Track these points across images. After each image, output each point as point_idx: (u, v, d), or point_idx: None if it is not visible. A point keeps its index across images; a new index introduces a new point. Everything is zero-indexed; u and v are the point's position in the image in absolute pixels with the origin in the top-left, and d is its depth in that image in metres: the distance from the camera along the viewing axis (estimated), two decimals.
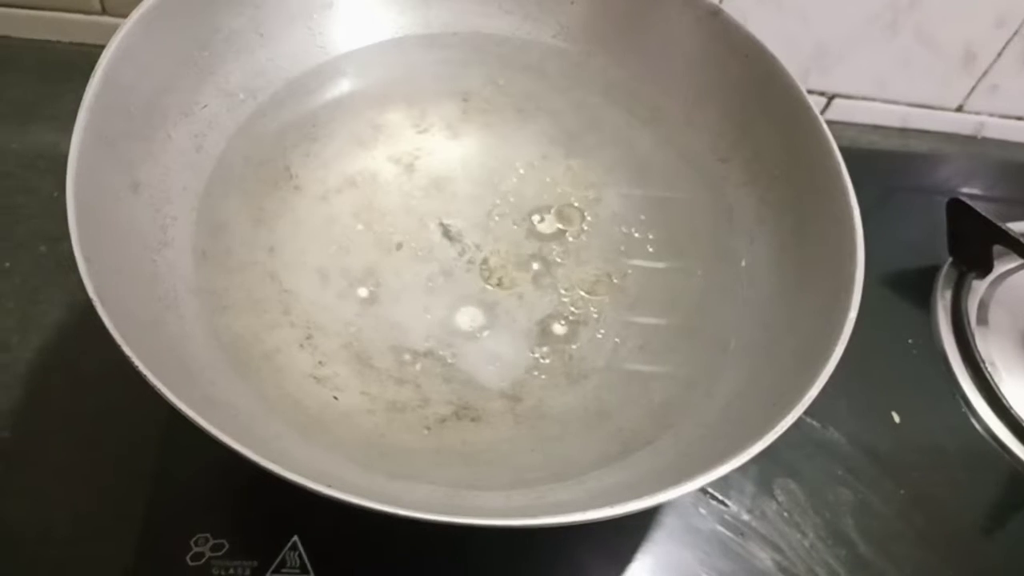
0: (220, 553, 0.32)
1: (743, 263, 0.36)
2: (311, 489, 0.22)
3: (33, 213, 0.42)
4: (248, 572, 0.32)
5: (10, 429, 0.35)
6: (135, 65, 0.31)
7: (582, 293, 0.37)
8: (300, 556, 0.33)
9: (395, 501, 0.22)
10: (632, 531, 0.36)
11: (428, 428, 0.31)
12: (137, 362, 0.23)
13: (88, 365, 0.37)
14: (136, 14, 0.31)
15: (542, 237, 0.38)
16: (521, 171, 0.40)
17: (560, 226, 0.39)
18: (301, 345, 0.32)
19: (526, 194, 0.39)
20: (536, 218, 0.39)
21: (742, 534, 0.37)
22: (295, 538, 0.33)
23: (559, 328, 0.35)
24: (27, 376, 0.36)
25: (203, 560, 0.32)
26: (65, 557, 0.32)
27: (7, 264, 0.40)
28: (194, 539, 0.32)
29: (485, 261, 0.37)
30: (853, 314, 0.29)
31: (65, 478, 0.34)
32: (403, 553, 0.34)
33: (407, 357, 0.33)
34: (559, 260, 0.38)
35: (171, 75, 0.33)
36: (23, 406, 0.36)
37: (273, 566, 0.32)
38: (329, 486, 0.22)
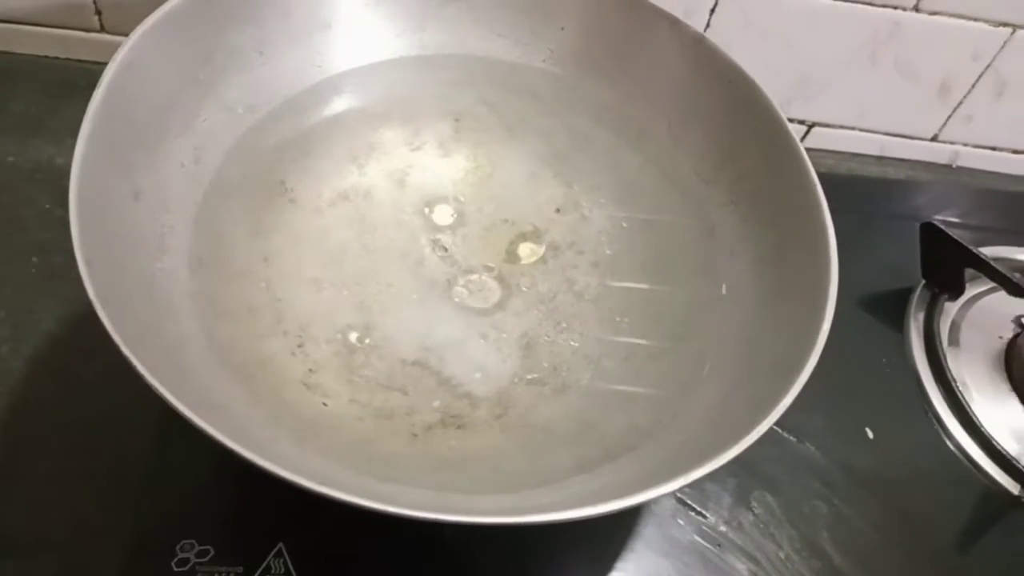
0: (205, 559, 0.32)
1: (723, 280, 0.37)
2: (305, 487, 0.23)
3: (28, 225, 0.42)
4: None
5: (0, 437, 0.35)
6: (139, 77, 0.32)
7: (568, 308, 0.37)
8: (285, 563, 0.33)
9: (384, 500, 0.23)
10: (612, 541, 0.37)
11: (415, 434, 0.32)
12: (136, 363, 0.24)
13: (78, 375, 0.37)
14: (141, 28, 0.32)
15: (529, 253, 0.39)
16: (510, 189, 0.41)
17: (547, 243, 0.40)
18: (293, 353, 0.33)
19: (514, 211, 0.40)
20: (523, 234, 0.40)
21: (719, 545, 0.37)
22: (280, 545, 0.33)
23: (546, 341, 0.36)
24: (18, 385, 0.37)
25: (188, 566, 0.32)
26: (54, 563, 0.32)
27: (0, 274, 0.40)
28: (180, 545, 0.33)
29: (473, 275, 0.38)
30: (827, 326, 0.30)
31: (54, 486, 0.34)
32: (388, 560, 0.34)
33: (395, 366, 0.34)
34: (546, 276, 0.39)
35: (173, 89, 0.34)
36: (13, 415, 0.36)
37: (258, 572, 0.33)
38: (322, 483, 0.23)
